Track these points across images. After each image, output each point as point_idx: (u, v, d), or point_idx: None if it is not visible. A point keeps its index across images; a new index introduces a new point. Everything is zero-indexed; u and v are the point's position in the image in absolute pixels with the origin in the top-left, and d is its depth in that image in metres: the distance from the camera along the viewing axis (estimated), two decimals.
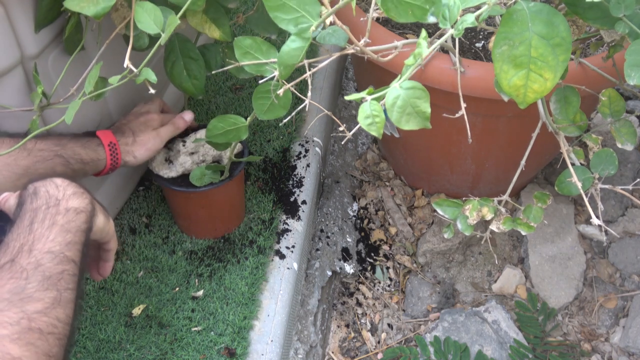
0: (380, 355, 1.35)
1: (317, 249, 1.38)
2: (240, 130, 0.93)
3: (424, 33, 0.65)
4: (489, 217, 0.98)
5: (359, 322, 1.42)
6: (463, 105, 0.70)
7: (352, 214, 1.54)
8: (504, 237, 1.51)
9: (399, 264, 1.50)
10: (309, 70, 0.75)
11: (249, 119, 0.91)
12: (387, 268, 1.50)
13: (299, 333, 1.24)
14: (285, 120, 0.81)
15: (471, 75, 1.06)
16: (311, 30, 0.70)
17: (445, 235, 1.07)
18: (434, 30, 1.35)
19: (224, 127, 0.92)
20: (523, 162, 0.99)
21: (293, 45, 0.71)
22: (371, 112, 0.64)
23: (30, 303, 0.63)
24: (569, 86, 0.90)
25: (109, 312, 1.09)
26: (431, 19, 0.66)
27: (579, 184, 0.86)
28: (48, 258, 0.67)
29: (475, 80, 1.06)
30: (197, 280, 1.14)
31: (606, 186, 0.91)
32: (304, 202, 1.30)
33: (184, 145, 1.12)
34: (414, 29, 1.36)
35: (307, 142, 1.41)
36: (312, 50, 1.59)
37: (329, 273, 1.36)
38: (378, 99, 0.64)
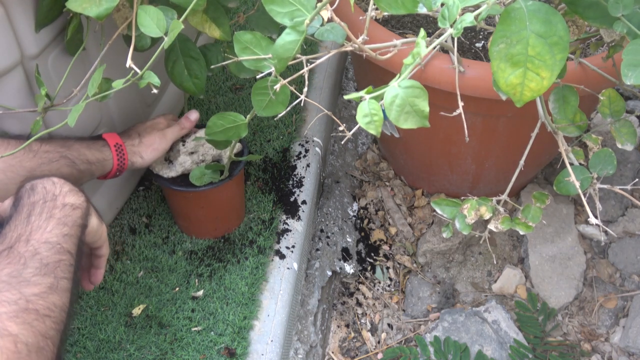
0: (380, 355, 1.35)
1: (317, 249, 1.38)
2: (240, 128, 0.93)
3: (422, 32, 0.65)
4: (487, 216, 0.98)
5: (359, 322, 1.42)
6: (460, 104, 0.70)
7: (352, 214, 1.54)
8: (504, 237, 1.51)
9: (399, 264, 1.50)
10: (306, 66, 0.76)
11: (248, 116, 0.91)
12: (387, 268, 1.50)
13: (299, 333, 1.24)
14: (280, 115, 0.81)
15: (471, 75, 1.06)
16: (306, 23, 0.70)
17: (444, 235, 1.07)
18: (433, 30, 1.35)
19: (224, 124, 0.92)
20: (522, 162, 0.99)
21: (288, 38, 0.72)
22: (369, 110, 0.64)
23: (28, 287, 0.64)
24: (567, 86, 0.90)
25: (109, 312, 1.09)
26: (422, 10, 0.66)
27: (578, 184, 0.86)
28: (45, 247, 0.68)
29: (475, 80, 1.06)
30: (197, 280, 1.14)
31: (605, 186, 0.91)
32: (304, 202, 1.30)
33: (183, 145, 1.12)
34: (414, 28, 1.37)
35: (307, 142, 1.41)
36: (312, 50, 1.60)
37: (329, 273, 1.36)
38: (377, 98, 0.64)
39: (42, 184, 0.75)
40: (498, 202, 1.01)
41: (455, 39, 1.02)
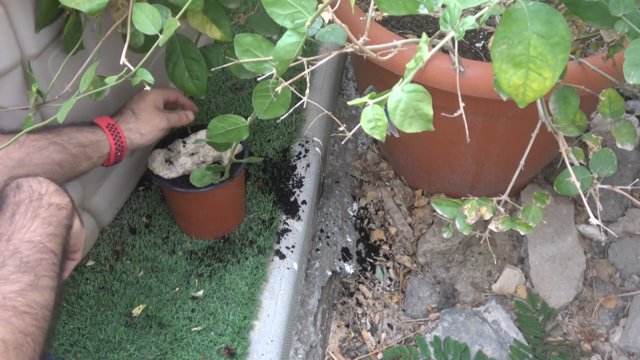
0: (380, 355, 1.35)
1: (317, 249, 1.38)
2: (241, 130, 0.93)
3: (424, 37, 0.65)
4: (487, 216, 0.98)
5: (359, 322, 1.42)
6: (461, 104, 0.70)
7: (352, 214, 1.54)
8: (504, 237, 1.51)
9: (399, 264, 1.50)
10: (307, 67, 0.75)
11: (249, 118, 0.91)
12: (387, 268, 1.50)
13: (299, 333, 1.24)
14: (282, 117, 0.81)
15: (471, 75, 1.06)
16: (307, 25, 0.70)
17: (444, 235, 1.07)
18: (433, 30, 1.35)
19: (225, 127, 0.92)
20: (522, 162, 0.99)
21: (289, 40, 0.71)
22: (373, 116, 0.64)
23: (6, 285, 0.64)
24: (568, 86, 0.90)
25: (109, 312, 1.09)
26: (423, 11, 0.66)
27: (578, 184, 0.86)
28: (26, 246, 0.69)
29: (475, 80, 1.06)
30: (197, 280, 1.14)
31: (605, 186, 0.91)
32: (304, 202, 1.30)
33: (184, 146, 1.12)
34: (414, 28, 1.37)
35: (307, 142, 1.41)
36: (312, 51, 1.60)
37: (329, 273, 1.36)
38: (380, 103, 0.64)
39: (28, 183, 0.75)
40: (498, 202, 1.01)
41: (456, 40, 1.02)
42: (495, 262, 1.48)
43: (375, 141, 1.72)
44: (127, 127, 1.00)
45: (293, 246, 1.22)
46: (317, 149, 1.41)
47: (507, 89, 0.67)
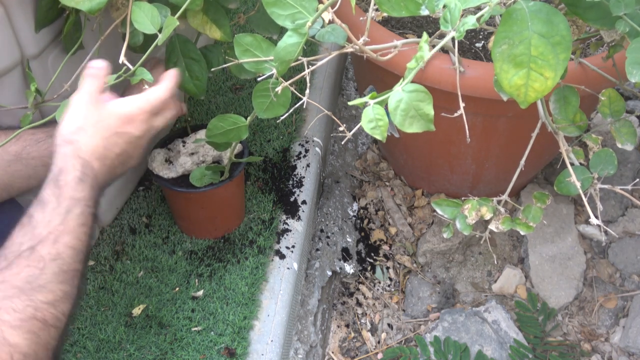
0: (380, 355, 1.35)
1: (317, 249, 1.38)
2: (241, 130, 0.93)
3: (425, 37, 0.65)
4: (487, 216, 0.98)
5: (359, 322, 1.41)
6: (462, 104, 0.70)
7: (352, 214, 1.54)
8: (504, 237, 1.51)
9: (399, 264, 1.50)
10: (308, 67, 0.75)
11: (249, 118, 0.91)
12: (387, 268, 1.49)
13: (299, 333, 1.24)
14: (282, 117, 0.81)
15: (471, 75, 1.06)
16: (307, 25, 0.70)
17: (445, 235, 1.07)
18: (433, 30, 1.35)
19: (224, 126, 0.92)
20: (522, 162, 0.99)
21: (289, 41, 0.71)
22: (374, 116, 0.64)
23: (42, 293, 0.62)
24: (568, 86, 0.90)
25: (109, 312, 1.09)
26: (424, 12, 0.66)
27: (578, 184, 0.86)
28: (69, 253, 0.66)
29: (475, 80, 1.06)
30: (197, 280, 1.14)
31: (605, 186, 0.91)
32: (304, 202, 1.30)
33: (184, 146, 1.12)
34: (414, 28, 1.37)
35: (307, 142, 1.41)
36: (312, 50, 1.60)
37: (329, 273, 1.36)
38: (381, 103, 0.64)
39: (90, 184, 0.71)
40: (499, 202, 1.01)
41: (457, 40, 1.01)
42: (495, 262, 1.48)
43: (375, 141, 1.72)
44: None
45: (293, 246, 1.22)
46: (317, 149, 1.41)
47: (509, 89, 0.66)
